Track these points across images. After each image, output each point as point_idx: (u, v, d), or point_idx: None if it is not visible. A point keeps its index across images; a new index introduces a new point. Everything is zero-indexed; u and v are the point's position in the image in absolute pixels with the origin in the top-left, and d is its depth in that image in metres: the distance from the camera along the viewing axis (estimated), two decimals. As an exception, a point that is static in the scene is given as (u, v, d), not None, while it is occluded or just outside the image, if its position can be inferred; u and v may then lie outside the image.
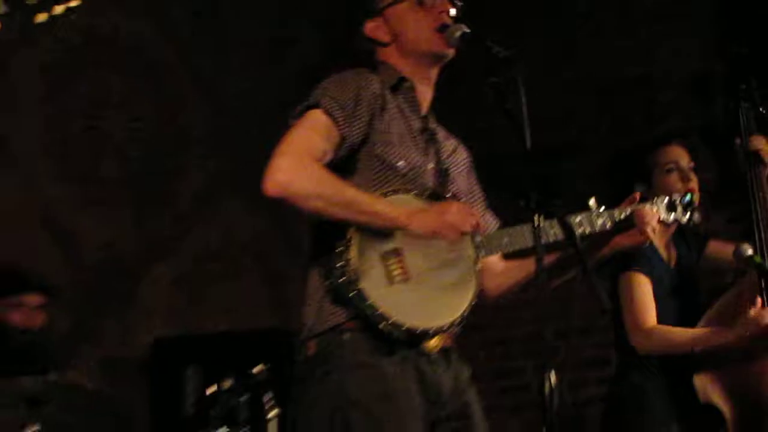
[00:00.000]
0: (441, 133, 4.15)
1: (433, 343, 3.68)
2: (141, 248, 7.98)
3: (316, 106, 3.72)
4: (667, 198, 4.35)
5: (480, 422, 3.86)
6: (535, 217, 3.58)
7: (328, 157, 3.72)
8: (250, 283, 8.21)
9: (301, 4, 8.83)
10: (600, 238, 4.04)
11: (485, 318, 4.07)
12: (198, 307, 7.99)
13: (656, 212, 4.14)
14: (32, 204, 7.55)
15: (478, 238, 3.84)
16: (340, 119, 3.71)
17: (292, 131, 3.72)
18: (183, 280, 8.07)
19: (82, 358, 7.15)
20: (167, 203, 8.17)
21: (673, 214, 4.33)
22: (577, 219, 3.93)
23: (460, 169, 4.17)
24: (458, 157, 4.21)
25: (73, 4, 3.01)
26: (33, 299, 6.18)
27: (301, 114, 3.76)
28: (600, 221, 3.96)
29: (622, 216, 4.00)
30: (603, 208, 4.01)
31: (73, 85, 7.67)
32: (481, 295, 3.87)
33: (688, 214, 4.39)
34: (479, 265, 3.81)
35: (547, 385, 3.25)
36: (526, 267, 3.97)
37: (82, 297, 7.45)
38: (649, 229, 3.97)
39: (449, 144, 4.20)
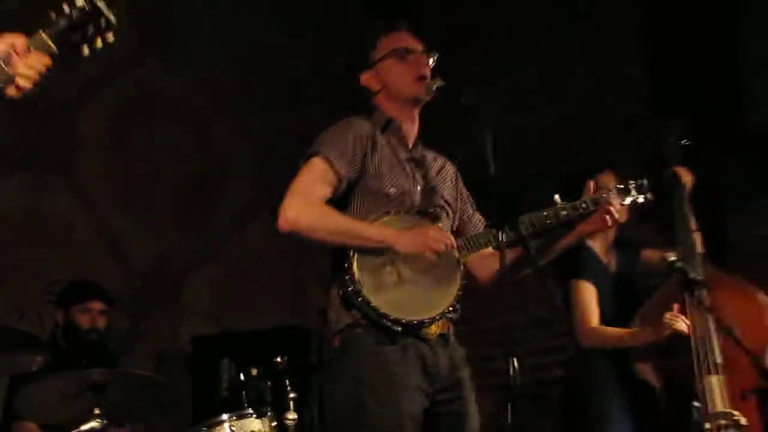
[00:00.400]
0: (429, 156, 4.40)
1: (432, 330, 3.95)
2: (184, 262, 8.09)
3: (316, 154, 4.04)
4: (619, 186, 4.39)
5: (469, 393, 4.08)
6: (500, 233, 3.94)
7: (329, 195, 4.03)
8: (274, 289, 8.30)
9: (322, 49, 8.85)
10: (566, 228, 4.18)
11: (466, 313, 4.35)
12: (230, 309, 8.14)
13: (615, 196, 4.22)
14: (96, 227, 7.68)
15: (461, 242, 4.07)
16: (336, 164, 4.00)
17: (298, 176, 4.06)
18: (219, 287, 8.17)
19: (137, 352, 7.36)
20: (206, 223, 8.26)
21: (629, 197, 4.37)
22: (545, 213, 4.07)
23: (447, 183, 4.40)
24: (445, 173, 4.43)
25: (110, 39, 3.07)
26: (97, 305, 6.35)
27: (306, 160, 4.08)
28: (564, 213, 4.09)
29: (584, 205, 4.12)
30: (566, 202, 4.14)
31: (128, 127, 7.79)
32: (474, 284, 4.23)
33: (642, 195, 4.43)
34: (461, 265, 4.05)
35: (511, 367, 3.64)
36: (500, 258, 4.00)
37: (136, 303, 7.63)
38: (614, 210, 4.11)
39: (437, 164, 4.42)
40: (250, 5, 8.77)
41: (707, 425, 5.19)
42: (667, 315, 5.27)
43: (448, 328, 4.09)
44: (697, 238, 5.59)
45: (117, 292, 6.89)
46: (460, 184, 4.51)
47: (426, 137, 4.40)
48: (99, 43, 3.12)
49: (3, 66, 2.97)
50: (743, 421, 5.15)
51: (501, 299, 4.80)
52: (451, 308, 4.01)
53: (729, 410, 5.20)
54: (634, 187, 4.40)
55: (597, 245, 5.64)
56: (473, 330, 4.28)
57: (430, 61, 4.23)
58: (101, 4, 3.09)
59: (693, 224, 5.60)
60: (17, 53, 2.99)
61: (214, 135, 8.38)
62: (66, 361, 5.84)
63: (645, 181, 4.48)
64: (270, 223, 7.85)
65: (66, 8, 3.08)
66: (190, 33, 8.48)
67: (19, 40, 3.01)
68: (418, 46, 4.29)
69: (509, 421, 3.72)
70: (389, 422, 3.85)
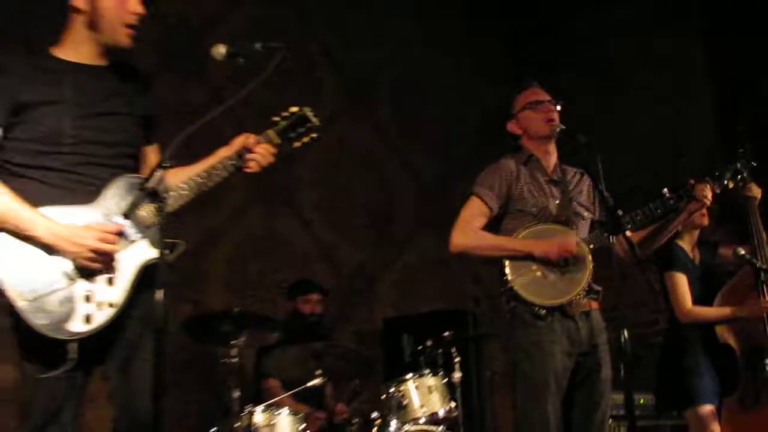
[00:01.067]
0: (569, 174, 4.50)
1: (574, 308, 4.12)
2: (375, 265, 8.15)
3: (473, 193, 4.32)
4: (715, 173, 4.47)
5: (604, 354, 4.18)
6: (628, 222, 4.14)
7: (484, 223, 4.28)
8: (438, 283, 8.31)
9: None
10: (672, 214, 4.27)
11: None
12: (409, 299, 8.13)
13: (709, 186, 4.30)
14: (312, 241, 7.82)
15: (590, 237, 4.24)
16: (488, 200, 4.27)
17: (462, 210, 4.32)
18: (401, 283, 8.20)
19: (344, 330, 7.50)
20: (389, 238, 8.34)
21: (724, 181, 4.46)
22: (655, 203, 4.18)
23: (582, 191, 4.48)
24: (582, 185, 4.51)
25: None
26: (314, 297, 6.50)
27: (468, 198, 4.34)
28: (671, 202, 4.19)
29: (684, 192, 4.20)
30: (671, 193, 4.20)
31: (332, 170, 7.92)
32: (621, 262, 4.19)
33: (737, 179, 4.58)
34: (591, 259, 4.14)
35: (622, 339, 3.66)
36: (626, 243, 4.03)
37: (342, 295, 7.70)
38: (705, 199, 4.22)
39: (575, 179, 4.51)
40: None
41: (777, 378, 5.17)
42: (754, 299, 5.23)
43: (590, 306, 4.22)
44: (764, 236, 5.43)
45: (329, 287, 6.98)
46: (594, 191, 4.49)
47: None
48: (307, 139, 3.20)
49: (241, 157, 3.08)
50: (805, 371, 5.12)
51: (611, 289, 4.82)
52: (584, 292, 4.13)
53: (794, 363, 5.17)
54: (728, 172, 4.53)
55: (685, 244, 5.58)
56: None
57: (557, 108, 4.34)
58: (309, 114, 3.18)
59: (760, 227, 5.46)
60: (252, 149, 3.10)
61: (389, 174, 8.42)
62: (295, 337, 6.01)
63: (738, 165, 4.60)
64: (432, 238, 8.10)
65: (285, 114, 3.18)
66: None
67: (250, 139, 3.12)
68: (546, 97, 4.41)
69: (622, 377, 3.74)
70: (538, 377, 4.04)
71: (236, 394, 5.14)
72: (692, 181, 4.29)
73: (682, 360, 5.50)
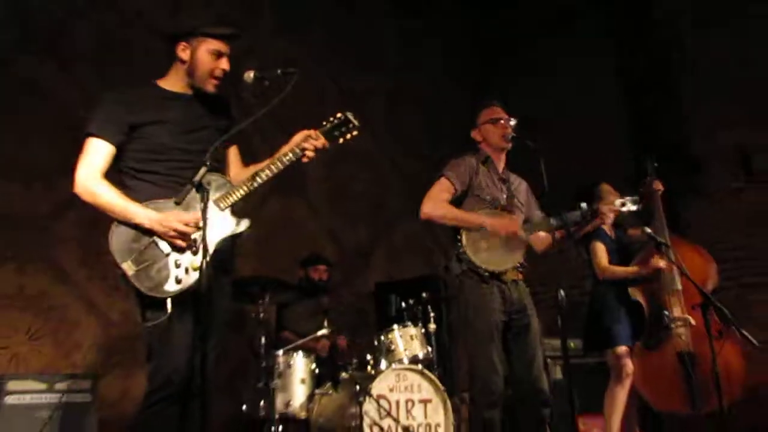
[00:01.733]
0: (512, 178, 4.51)
1: (508, 276, 4.15)
2: (369, 244, 8.15)
3: (443, 175, 4.31)
4: (618, 200, 4.49)
5: (531, 312, 4.21)
6: (554, 218, 4.18)
7: (449, 198, 4.27)
8: (417, 255, 8.27)
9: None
10: (585, 220, 4.29)
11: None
12: (395, 267, 8.13)
13: (613, 205, 4.43)
14: (321, 225, 7.86)
15: (527, 225, 4.25)
16: (454, 182, 4.25)
17: (431, 188, 4.28)
18: (389, 256, 8.25)
19: (344, 292, 7.43)
20: (376, 221, 8.33)
21: (624, 207, 4.44)
22: (575, 212, 4.18)
23: (522, 192, 4.52)
24: (522, 187, 4.55)
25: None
26: (322, 267, 6.57)
27: (437, 178, 4.32)
28: (586, 212, 4.20)
29: (594, 209, 4.24)
30: (588, 208, 4.22)
31: (336, 168, 7.91)
32: (533, 251, 4.36)
33: (630, 206, 4.46)
34: (527, 240, 4.23)
35: (559, 296, 3.85)
36: (550, 237, 4.34)
37: (343, 265, 7.62)
38: (609, 215, 4.49)
39: (516, 182, 4.53)
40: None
41: (672, 324, 5.25)
42: (653, 260, 5.34)
43: (518, 276, 4.25)
44: (663, 220, 5.51)
45: (333, 259, 7.03)
46: (530, 193, 4.59)
47: (512, 165, 4.55)
48: (349, 136, 3.29)
49: (298, 151, 3.22)
50: (692, 321, 5.20)
51: (550, 259, 4.87)
52: (519, 265, 4.22)
53: (685, 316, 5.25)
54: (628, 202, 4.48)
55: (605, 225, 5.62)
56: (534, 275, 4.39)
57: (512, 123, 4.35)
58: (350, 116, 3.27)
59: (661, 213, 5.53)
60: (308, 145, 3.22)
61: (382, 171, 8.45)
62: (307, 297, 6.11)
63: (635, 198, 4.53)
64: (415, 222, 8.03)
65: (332, 119, 3.28)
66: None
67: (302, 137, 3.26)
68: (504, 115, 4.39)
69: (560, 325, 3.84)
70: (483, 328, 4.05)
71: (263, 341, 5.22)
72: (599, 205, 4.38)
73: (603, 313, 5.55)
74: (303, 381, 5.40)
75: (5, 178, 5.95)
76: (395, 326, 5.55)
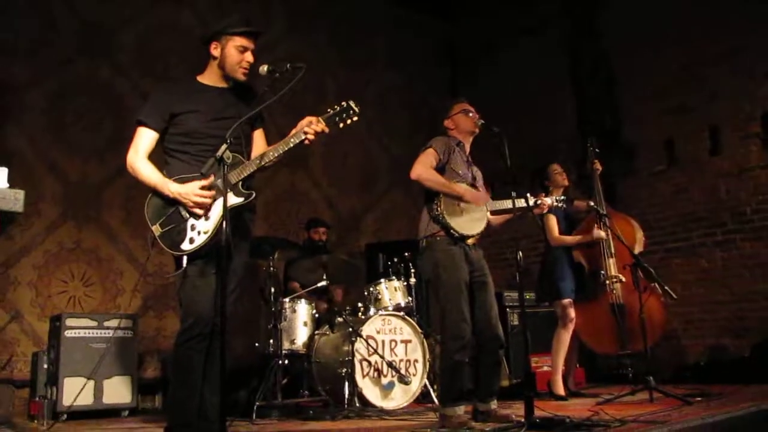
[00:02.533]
0: (474, 165, 4.35)
1: (471, 240, 4.04)
2: (361, 210, 8.06)
3: (430, 146, 4.12)
4: (552, 197, 4.42)
5: (487, 272, 4.11)
6: (512, 200, 4.01)
7: (434, 166, 4.05)
8: (402, 220, 8.16)
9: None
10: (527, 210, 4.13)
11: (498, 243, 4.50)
12: (383, 231, 8.06)
13: (550, 201, 4.31)
14: (320, 194, 7.72)
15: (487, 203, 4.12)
16: (439, 153, 4.09)
17: (421, 155, 4.09)
18: (376, 221, 8.09)
19: (341, 251, 7.28)
20: (371, 190, 8.20)
21: (557, 203, 4.38)
22: (521, 201, 4.03)
23: (479, 178, 4.32)
24: (478, 174, 4.34)
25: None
26: (322, 229, 6.41)
27: (424, 149, 4.13)
28: (527, 202, 4.08)
29: (535, 202, 4.18)
30: (529, 195, 4.13)
31: (337, 142, 7.76)
32: (489, 226, 4.18)
33: (560, 205, 4.44)
34: (488, 213, 4.13)
35: (518, 257, 3.78)
36: (504, 218, 4.25)
37: (339, 228, 7.61)
38: (545, 208, 4.25)
39: (475, 169, 4.34)
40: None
41: (607, 281, 5.26)
42: (595, 229, 5.34)
43: (477, 241, 4.13)
44: (602, 194, 5.50)
45: (331, 223, 6.87)
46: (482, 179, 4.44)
47: (477, 148, 4.41)
48: (349, 122, 3.20)
49: (302, 135, 3.14)
50: (623, 278, 5.22)
51: (509, 227, 4.85)
52: (480, 233, 4.09)
53: (617, 274, 5.26)
54: (557, 201, 4.42)
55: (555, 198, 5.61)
56: (495, 240, 4.37)
57: (477, 116, 4.23)
58: (352, 103, 3.20)
59: (600, 187, 5.53)
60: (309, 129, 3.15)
61: (372, 151, 8.33)
62: (309, 254, 5.95)
63: (562, 198, 4.50)
64: (400, 193, 8.13)
65: (335, 107, 3.20)
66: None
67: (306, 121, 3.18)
68: (472, 109, 4.28)
69: (518, 280, 3.79)
70: (453, 282, 3.93)
71: (272, 290, 5.22)
72: (543, 195, 4.35)
73: (553, 271, 5.54)
74: (305, 324, 5.38)
75: (68, 156, 6.14)
76: (382, 280, 5.53)
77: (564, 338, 5.42)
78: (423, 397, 5.22)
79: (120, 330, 5.32)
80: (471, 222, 4.05)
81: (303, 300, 5.44)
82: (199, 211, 3.08)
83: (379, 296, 5.43)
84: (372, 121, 8.32)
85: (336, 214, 7.80)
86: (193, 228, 3.07)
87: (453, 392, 3.90)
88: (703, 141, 6.96)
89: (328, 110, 3.20)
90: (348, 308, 5.60)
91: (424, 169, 4.04)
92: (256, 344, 5.43)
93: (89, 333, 5.19)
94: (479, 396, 4.04)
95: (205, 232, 3.06)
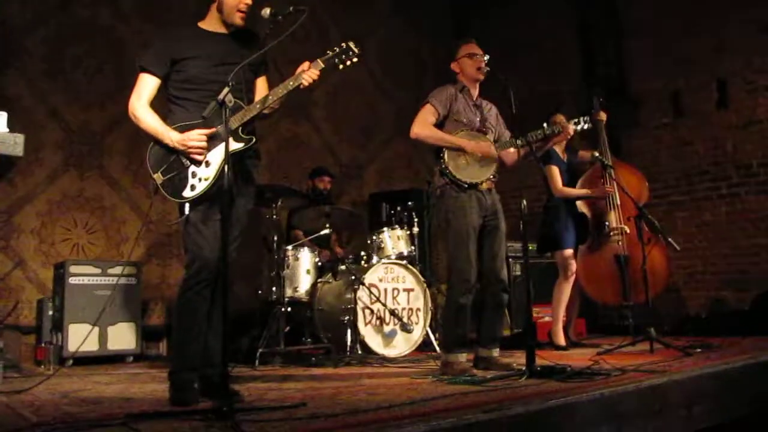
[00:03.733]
0: (485, 103, 4.37)
1: (483, 186, 4.10)
2: (366, 159, 8.05)
3: (428, 102, 4.17)
4: (573, 120, 4.31)
5: (501, 215, 4.20)
6: (519, 139, 4.10)
7: (434, 122, 4.12)
8: (406, 170, 8.23)
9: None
10: (547, 138, 4.18)
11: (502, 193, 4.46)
12: (386, 180, 8.07)
13: (571, 125, 4.25)
14: (323, 142, 7.68)
15: (497, 143, 4.20)
16: (438, 108, 4.13)
17: (420, 112, 4.17)
18: (376, 171, 8.10)
19: (345, 200, 7.41)
20: (373, 139, 8.14)
21: (578, 126, 4.29)
22: (538, 131, 4.11)
23: (492, 116, 4.37)
24: (492, 111, 4.40)
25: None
26: (326, 178, 6.41)
27: (423, 104, 4.20)
28: (548, 131, 4.12)
29: (555, 128, 4.15)
30: (548, 126, 4.15)
31: (338, 96, 7.76)
32: (503, 165, 4.30)
33: (583, 125, 4.31)
34: (497, 156, 4.16)
35: (522, 205, 3.78)
36: (519, 154, 4.17)
37: (343, 177, 7.62)
38: (571, 131, 4.23)
39: (488, 107, 4.38)
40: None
41: (611, 232, 5.23)
42: (601, 185, 5.29)
43: (491, 185, 4.20)
44: (607, 146, 5.45)
45: (335, 172, 6.89)
46: (499, 116, 4.46)
47: (485, 91, 4.39)
48: (348, 63, 3.19)
49: (296, 80, 3.11)
50: (627, 230, 5.18)
51: (514, 177, 4.88)
52: (492, 176, 4.15)
53: (621, 225, 5.22)
54: (581, 121, 4.35)
55: (558, 149, 5.53)
56: (500, 190, 4.38)
57: (485, 58, 4.18)
58: (351, 44, 3.20)
59: (605, 138, 5.47)
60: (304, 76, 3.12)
61: (375, 99, 8.26)
62: (313, 202, 5.99)
63: (586, 118, 4.41)
64: (403, 143, 8.07)
65: (336, 48, 3.18)
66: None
67: (305, 66, 3.16)
68: (480, 51, 4.24)
69: (521, 230, 3.82)
70: (462, 228, 4.02)
71: (275, 238, 5.24)
72: (563, 120, 4.33)
73: (554, 222, 5.54)
74: (308, 272, 5.39)
75: (69, 104, 6.06)
76: (385, 228, 5.53)
77: (565, 289, 5.45)
78: (425, 345, 5.25)
79: (124, 277, 5.36)
80: (477, 170, 4.11)
81: (306, 248, 5.45)
82: (199, 157, 3.08)
83: (382, 245, 5.44)
84: (375, 68, 8.24)
85: (339, 163, 7.76)
86: (194, 175, 3.07)
87: (456, 338, 4.02)
88: (710, 93, 6.89)
89: (328, 51, 3.18)
90: (351, 256, 5.61)
91: (421, 127, 4.12)
92: (259, 292, 5.46)
93: (93, 280, 5.24)
94: (482, 342, 4.17)
95: (206, 179, 3.06)
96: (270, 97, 3.13)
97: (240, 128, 3.11)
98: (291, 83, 3.11)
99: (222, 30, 3.26)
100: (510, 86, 3.90)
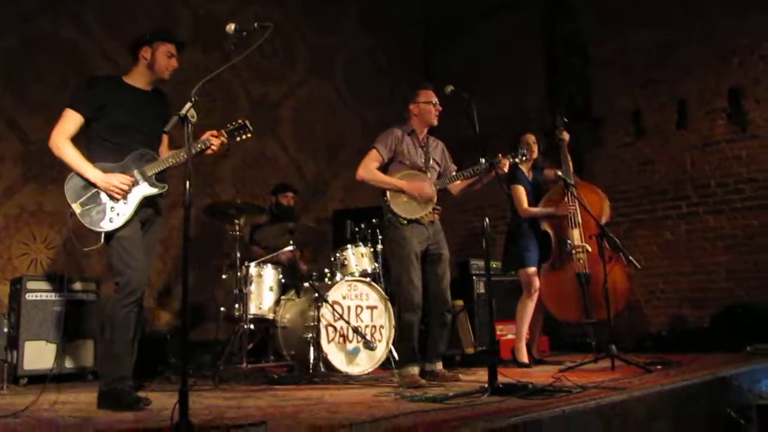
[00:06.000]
0: (431, 141, 4.74)
1: (424, 219, 4.49)
2: (330, 175, 7.99)
3: (374, 147, 4.57)
4: (510, 155, 4.62)
5: (443, 244, 4.60)
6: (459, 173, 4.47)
7: (378, 166, 4.54)
8: (370, 188, 8.33)
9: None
10: (485, 172, 4.49)
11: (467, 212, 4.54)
12: (350, 197, 7.90)
13: (508, 159, 4.55)
14: (288, 158, 7.62)
15: (440, 180, 4.61)
16: (382, 152, 4.58)
17: (366, 156, 4.58)
18: (350, 189, 7.95)
19: (307, 217, 7.29)
20: (337, 160, 8.09)
21: (516, 159, 4.68)
22: (476, 167, 4.48)
23: (438, 153, 4.76)
24: (438, 148, 4.78)
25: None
26: (290, 194, 6.46)
27: (369, 150, 4.59)
28: (485, 165, 4.44)
29: (493, 163, 4.39)
30: (485, 162, 4.43)
31: (310, 114, 7.79)
32: (449, 196, 4.70)
33: (521, 157, 4.73)
34: (436, 193, 4.52)
35: (485, 225, 3.90)
36: (466, 183, 4.63)
37: (307, 193, 7.56)
38: (504, 169, 4.47)
39: (434, 144, 4.76)
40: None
41: (573, 250, 5.31)
42: (563, 203, 5.36)
43: (434, 217, 4.58)
44: (570, 164, 5.56)
45: (299, 188, 6.88)
46: (445, 151, 4.83)
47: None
48: (244, 137, 3.76)
49: (205, 145, 3.66)
50: (589, 248, 5.27)
51: (478, 197, 4.96)
52: (431, 211, 4.52)
53: (583, 244, 5.31)
54: (519, 155, 4.73)
55: (524, 168, 5.58)
56: (464, 209, 4.48)
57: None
58: (247, 123, 3.75)
59: (569, 158, 5.58)
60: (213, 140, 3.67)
61: (341, 116, 8.26)
62: (276, 219, 5.97)
63: (524, 151, 4.80)
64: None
65: (234, 123, 3.75)
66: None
67: (210, 135, 3.69)
68: (435, 98, 4.62)
69: (484, 247, 3.91)
70: (404, 255, 4.41)
71: (238, 254, 5.21)
72: (499, 156, 4.51)
73: (519, 240, 5.56)
74: (271, 288, 5.36)
75: (31, 115, 5.90)
76: (349, 246, 5.51)
77: (528, 307, 5.46)
78: (388, 362, 5.21)
79: (83, 293, 5.26)
80: (417, 206, 4.51)
81: (269, 265, 5.41)
82: (119, 197, 3.50)
83: (346, 262, 5.41)
84: (341, 86, 8.27)
85: (304, 180, 7.74)
86: (112, 209, 3.50)
87: (406, 352, 4.43)
88: (670, 114, 7.04)
89: (228, 125, 3.72)
90: (314, 274, 5.58)
91: (364, 170, 4.55)
92: (222, 309, 5.38)
93: (51, 296, 5.09)
94: (427, 357, 4.52)
95: (124, 215, 3.51)
96: (182, 154, 3.56)
97: (154, 176, 3.60)
98: (200, 146, 3.62)
99: (144, 87, 3.74)
100: (473, 105, 4.04)
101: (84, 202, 3.46)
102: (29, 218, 5.87)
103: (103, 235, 3.48)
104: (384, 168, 4.58)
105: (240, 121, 3.73)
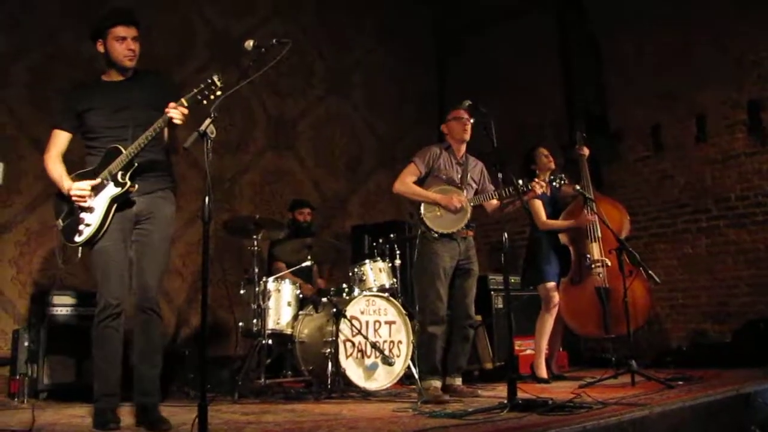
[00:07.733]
0: (470, 161, 4.89)
1: (457, 234, 4.65)
2: (346, 192, 8.04)
3: (412, 161, 4.81)
4: (546, 179, 4.79)
5: (474, 260, 4.78)
6: (502, 190, 4.52)
7: (415, 179, 4.73)
8: (390, 204, 8.07)
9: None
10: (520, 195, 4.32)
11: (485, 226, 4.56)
12: (367, 213, 8.04)
13: (541, 182, 4.60)
14: (308, 176, 7.68)
15: (476, 197, 4.75)
16: (419, 166, 4.75)
17: (403, 170, 4.81)
18: (364, 205, 8.08)
19: (327, 233, 7.40)
20: (356, 175, 8.16)
21: (554, 183, 4.82)
22: (509, 188, 4.45)
23: (477, 172, 4.93)
24: (477, 167, 4.96)
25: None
26: (307, 210, 6.40)
27: (408, 163, 4.83)
28: (522, 188, 4.39)
29: (527, 185, 4.52)
30: (520, 181, 4.37)
31: (326, 131, 7.85)
32: (483, 214, 4.90)
33: (555, 184, 4.83)
34: (470, 209, 4.67)
35: (503, 239, 3.86)
36: (498, 204, 4.74)
37: (325, 209, 7.59)
38: (538, 190, 4.61)
39: (473, 163, 4.92)
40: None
41: (592, 265, 5.28)
42: (583, 215, 5.33)
43: (467, 234, 4.75)
44: (589, 179, 5.52)
45: (316, 204, 6.90)
46: (484, 171, 4.99)
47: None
48: (212, 97, 3.09)
49: (167, 117, 3.16)
50: (609, 262, 5.24)
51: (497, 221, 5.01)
52: (464, 226, 4.65)
53: (603, 258, 5.27)
54: (553, 179, 4.82)
55: (542, 187, 5.58)
56: (482, 223, 4.56)
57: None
58: (215, 77, 3.09)
59: (588, 172, 5.56)
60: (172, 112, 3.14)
61: (359, 133, 8.30)
62: (295, 234, 5.99)
63: (562, 175, 4.82)
64: (385, 174, 7.97)
65: (201, 84, 3.10)
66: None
67: (171, 105, 3.16)
68: (465, 116, 4.76)
69: (503, 263, 4.00)
70: (433, 270, 4.60)
71: (256, 270, 5.21)
72: (536, 179, 4.61)
73: (537, 255, 5.54)
74: (289, 304, 5.33)
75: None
76: (367, 261, 5.49)
77: (548, 322, 5.44)
78: (406, 378, 5.18)
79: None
80: (451, 220, 4.63)
81: (287, 280, 5.40)
82: (83, 204, 3.29)
83: (364, 277, 5.39)
84: (359, 101, 8.33)
85: (322, 196, 7.76)
86: (82, 221, 3.30)
87: (428, 365, 4.55)
88: (689, 128, 6.99)
89: (192, 90, 3.17)
90: (332, 289, 5.56)
91: (401, 183, 4.73)
92: (240, 324, 5.38)
93: (72, 311, 5.12)
94: (448, 371, 4.67)
95: (89, 225, 3.28)
96: (141, 139, 3.23)
97: (119, 173, 3.27)
98: (159, 124, 3.21)
99: (117, 78, 3.46)
100: (492, 120, 4.01)
101: (64, 216, 3.36)
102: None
103: (79, 250, 3.32)
104: (421, 182, 4.75)
105: (208, 79, 3.12)
